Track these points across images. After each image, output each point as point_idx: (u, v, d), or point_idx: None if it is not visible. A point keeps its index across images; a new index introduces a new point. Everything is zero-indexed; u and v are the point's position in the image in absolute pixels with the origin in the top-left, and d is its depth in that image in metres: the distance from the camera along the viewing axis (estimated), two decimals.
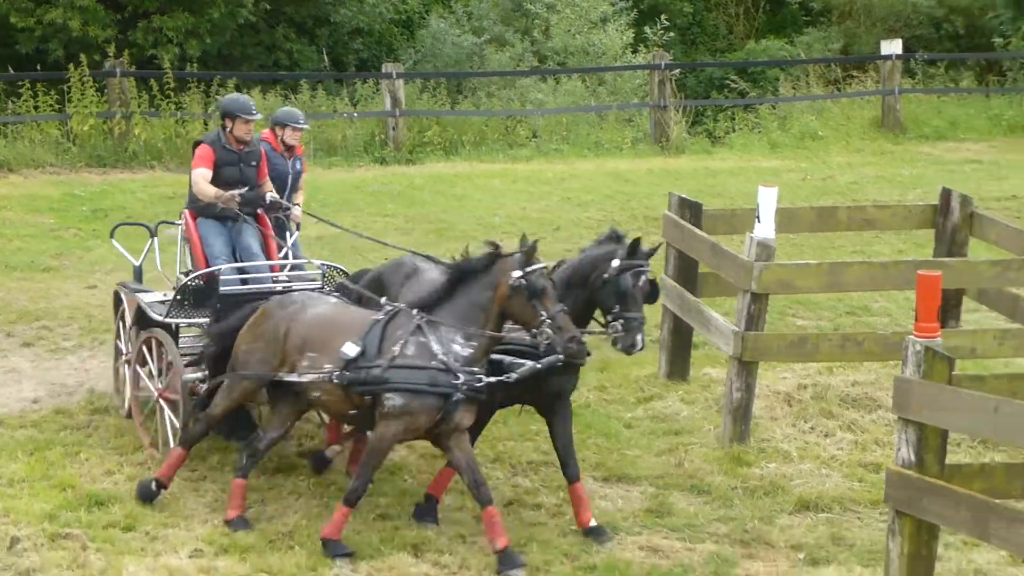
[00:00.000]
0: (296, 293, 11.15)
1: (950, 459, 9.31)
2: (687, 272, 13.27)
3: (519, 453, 11.90)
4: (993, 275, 12.46)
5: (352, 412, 10.32)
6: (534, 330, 9.90)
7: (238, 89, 25.42)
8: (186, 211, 12.51)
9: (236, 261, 12.22)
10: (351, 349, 10.14)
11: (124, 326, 12.78)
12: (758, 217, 12.14)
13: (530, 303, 9.88)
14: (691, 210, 13.40)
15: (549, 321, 9.83)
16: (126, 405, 12.48)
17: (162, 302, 12.29)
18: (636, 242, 10.54)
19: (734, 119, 28.20)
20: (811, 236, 17.69)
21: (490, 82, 29.40)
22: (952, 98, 28.90)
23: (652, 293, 10.63)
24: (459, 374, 9.94)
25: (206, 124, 24.33)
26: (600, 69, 29.66)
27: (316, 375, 10.23)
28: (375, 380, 10.01)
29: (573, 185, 22.58)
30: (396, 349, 10.04)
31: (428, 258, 11.71)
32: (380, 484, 11.37)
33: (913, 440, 8.97)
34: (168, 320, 11.92)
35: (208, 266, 12.11)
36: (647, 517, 10.94)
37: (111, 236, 13.56)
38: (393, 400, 9.95)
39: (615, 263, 10.43)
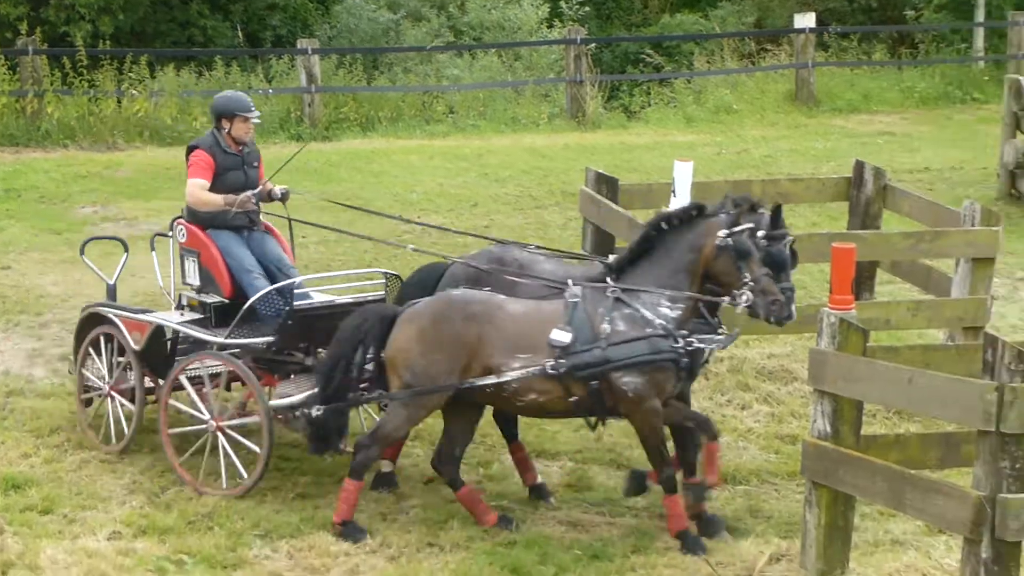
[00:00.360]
0: (458, 292, 10.28)
1: (865, 430, 9.42)
2: (604, 247, 13.28)
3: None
4: (906, 247, 12.56)
5: (570, 406, 9.98)
6: (734, 292, 9.78)
7: (151, 66, 25.25)
8: (185, 222, 11.50)
9: (267, 274, 11.28)
10: (563, 336, 9.76)
11: (107, 353, 11.56)
12: (674, 191, 12.17)
13: (735, 265, 9.75)
14: (608, 185, 13.43)
15: (752, 284, 9.71)
16: (120, 443, 11.40)
17: (191, 322, 11.33)
18: (778, 209, 10.32)
19: (649, 94, 28.24)
20: None
21: (406, 58, 29.30)
22: (865, 71, 29.08)
23: (795, 260, 10.47)
24: (678, 338, 9.76)
25: (119, 102, 24.12)
26: (516, 44, 29.64)
27: (528, 371, 9.79)
28: (599, 361, 9.70)
29: (490, 161, 22.56)
30: (607, 327, 9.77)
31: (515, 244, 11.15)
32: (300, 464, 11.36)
33: (829, 412, 9.06)
34: (229, 341, 10.93)
35: (236, 281, 11.21)
36: (567, 492, 10.99)
37: (81, 253, 12.39)
38: (634, 380, 9.73)
39: (760, 233, 10.15)
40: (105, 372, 11.63)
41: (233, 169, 11.43)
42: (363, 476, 10.17)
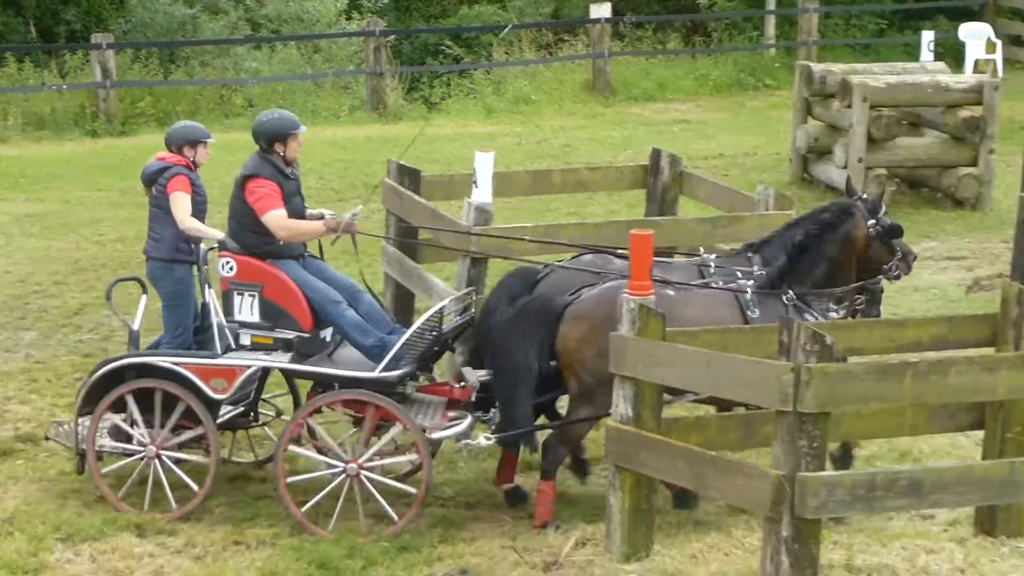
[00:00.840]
0: (607, 286, 10.10)
1: (666, 413, 9.54)
2: (407, 237, 13.31)
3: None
4: (703, 232, 12.73)
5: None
6: (885, 268, 10.11)
7: None
8: (233, 255, 10.39)
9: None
10: None
11: (142, 410, 10.31)
12: (475, 182, 12.22)
13: (889, 245, 10.09)
14: (410, 177, 13.45)
15: (901, 256, 10.08)
16: (192, 503, 10.27)
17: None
18: (880, 200, 10.52)
19: (450, 85, 28.34)
20: (527, 199, 17.88)
21: (204, 51, 28.96)
22: (660, 60, 29.47)
23: None
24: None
25: None
26: (315, 36, 29.48)
27: None
28: None
29: None
30: None
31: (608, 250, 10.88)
32: (101, 465, 11.14)
33: (630, 396, 9.17)
34: (383, 375, 10.03)
35: (317, 313, 10.29)
36: None
37: (107, 297, 10.97)
38: None
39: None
40: (144, 431, 10.38)
41: (294, 195, 10.54)
42: (555, 475, 10.13)
